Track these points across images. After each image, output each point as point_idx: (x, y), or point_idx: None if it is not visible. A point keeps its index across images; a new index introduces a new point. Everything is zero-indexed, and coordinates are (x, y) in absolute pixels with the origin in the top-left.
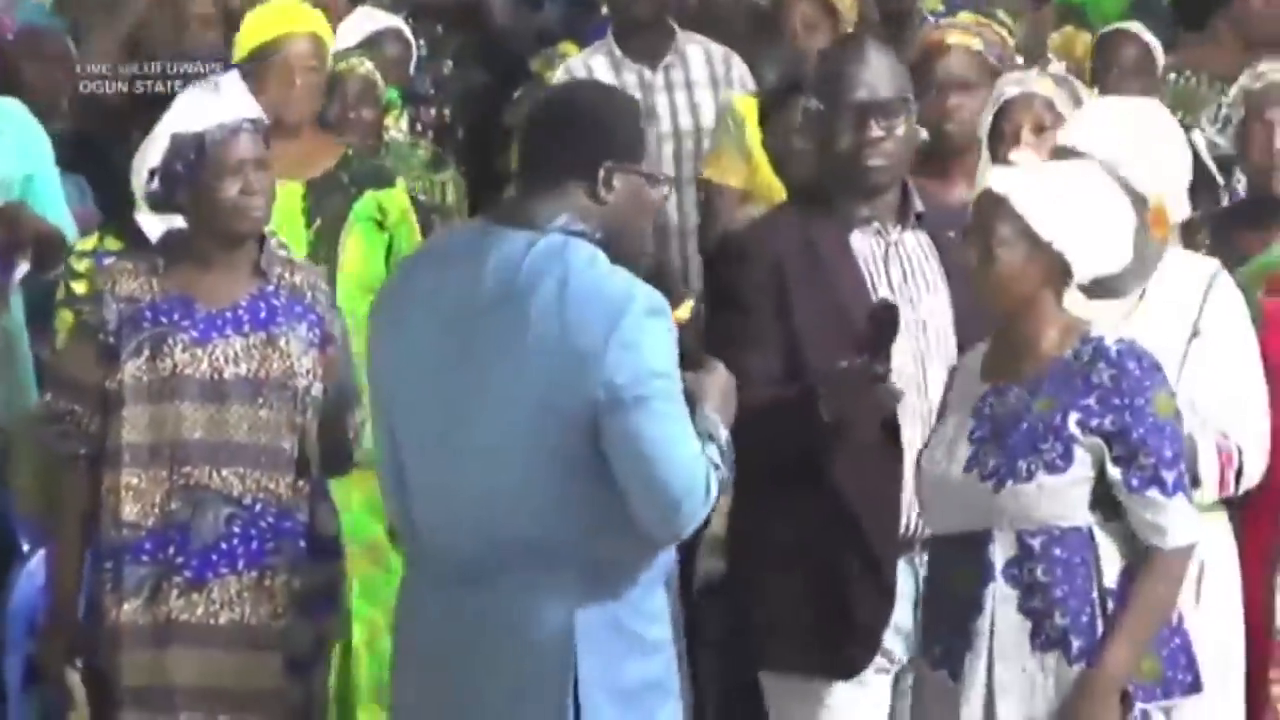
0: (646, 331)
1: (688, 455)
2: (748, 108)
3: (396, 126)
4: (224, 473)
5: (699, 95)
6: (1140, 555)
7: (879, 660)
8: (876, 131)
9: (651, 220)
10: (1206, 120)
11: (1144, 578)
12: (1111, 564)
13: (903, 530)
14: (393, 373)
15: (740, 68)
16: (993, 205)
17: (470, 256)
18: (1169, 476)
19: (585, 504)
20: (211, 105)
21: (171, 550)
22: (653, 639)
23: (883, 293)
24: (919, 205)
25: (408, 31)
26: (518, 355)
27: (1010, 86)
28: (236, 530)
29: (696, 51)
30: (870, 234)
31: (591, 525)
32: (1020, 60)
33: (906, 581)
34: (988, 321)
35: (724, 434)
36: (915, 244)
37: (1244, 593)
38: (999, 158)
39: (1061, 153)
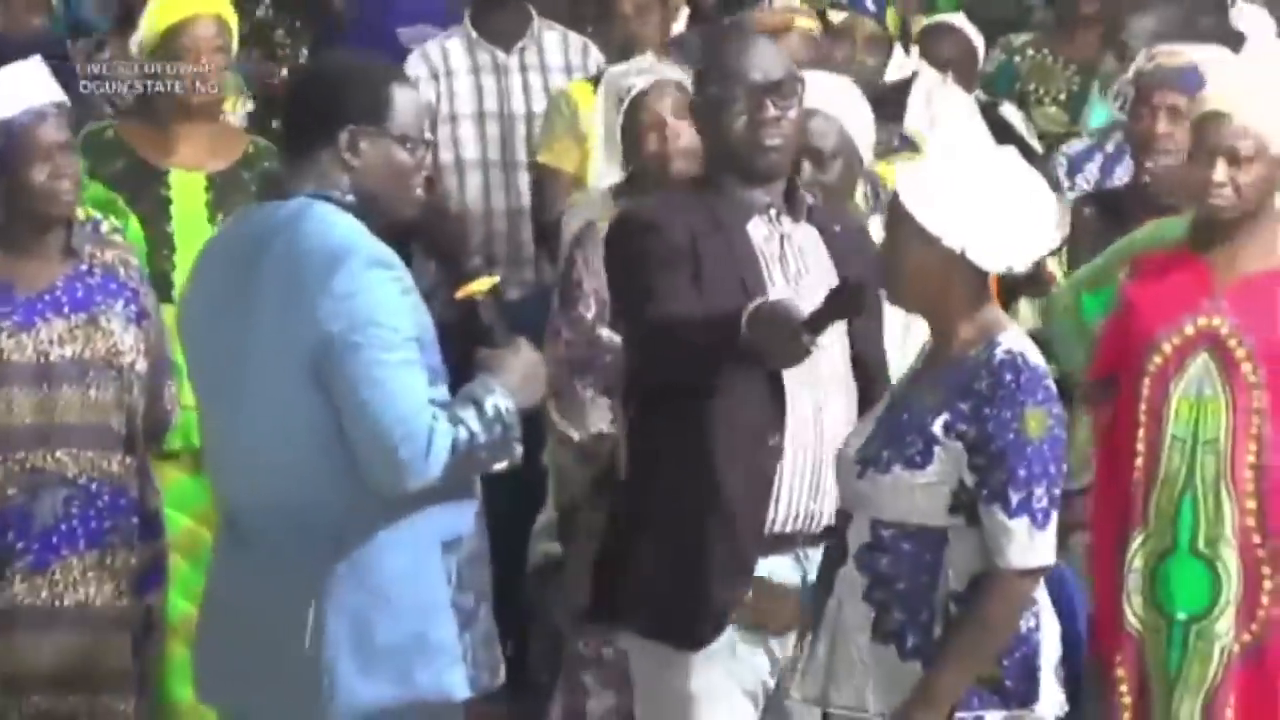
0: (364, 282)
1: (406, 404)
2: (581, 93)
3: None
4: (58, 455)
5: (553, 80)
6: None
7: (744, 648)
8: (773, 111)
9: (412, 181)
10: (1111, 96)
11: (981, 594)
12: (963, 570)
13: (786, 525)
14: (186, 350)
15: (598, 56)
16: (893, 206)
17: (234, 233)
18: (1015, 497)
19: (332, 463)
20: (16, 91)
21: (11, 536)
22: (408, 601)
23: (778, 283)
24: (809, 198)
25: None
26: (258, 319)
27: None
28: (75, 511)
29: (553, 37)
30: (765, 223)
31: (342, 485)
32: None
33: (791, 578)
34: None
35: (504, 405)
36: (805, 237)
37: (1094, 583)
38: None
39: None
